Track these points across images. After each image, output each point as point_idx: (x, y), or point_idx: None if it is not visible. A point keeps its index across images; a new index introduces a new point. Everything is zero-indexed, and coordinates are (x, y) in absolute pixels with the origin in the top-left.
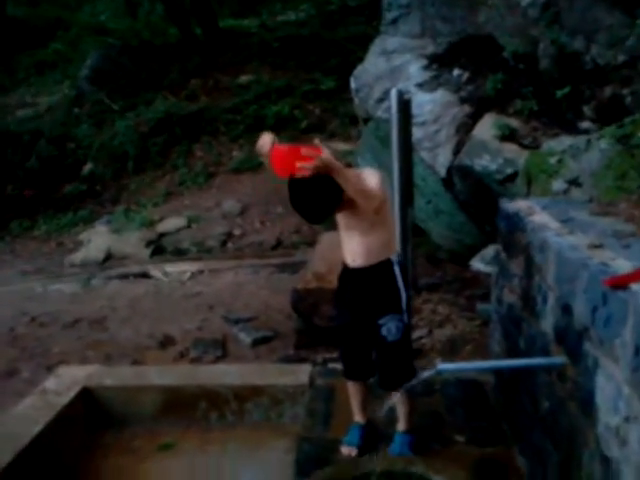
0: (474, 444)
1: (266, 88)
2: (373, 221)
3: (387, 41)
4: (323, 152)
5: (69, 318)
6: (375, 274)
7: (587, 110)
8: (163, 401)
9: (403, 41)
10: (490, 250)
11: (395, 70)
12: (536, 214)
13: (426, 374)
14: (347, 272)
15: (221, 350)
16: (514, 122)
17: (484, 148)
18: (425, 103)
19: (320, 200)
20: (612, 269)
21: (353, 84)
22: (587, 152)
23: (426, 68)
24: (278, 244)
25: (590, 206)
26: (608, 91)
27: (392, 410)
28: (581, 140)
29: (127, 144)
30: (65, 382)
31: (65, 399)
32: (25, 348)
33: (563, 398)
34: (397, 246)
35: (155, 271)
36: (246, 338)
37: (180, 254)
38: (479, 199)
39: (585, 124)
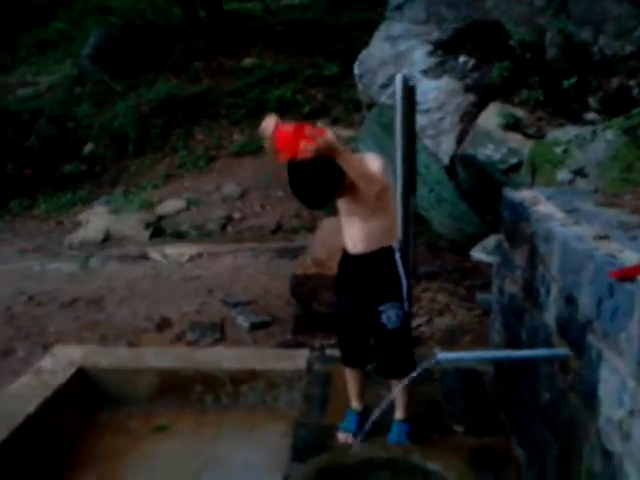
0: (472, 434)
1: (269, 72)
2: (374, 207)
3: (392, 27)
4: (327, 133)
5: (66, 298)
6: (375, 261)
7: (593, 101)
8: (159, 383)
9: (408, 27)
10: (491, 240)
11: (400, 56)
12: (541, 204)
13: (426, 363)
14: (347, 258)
15: (219, 333)
16: (519, 111)
17: (488, 137)
18: (429, 90)
19: (321, 184)
20: (619, 261)
21: (357, 69)
22: (593, 143)
23: (431, 54)
24: (278, 228)
25: (595, 197)
26: (615, 82)
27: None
28: (587, 130)
29: (128, 125)
30: (61, 362)
31: (60, 379)
32: (21, 327)
33: (564, 390)
34: (399, 233)
35: (154, 253)
36: (244, 322)
37: (179, 237)
38: (482, 188)
39: (590, 115)
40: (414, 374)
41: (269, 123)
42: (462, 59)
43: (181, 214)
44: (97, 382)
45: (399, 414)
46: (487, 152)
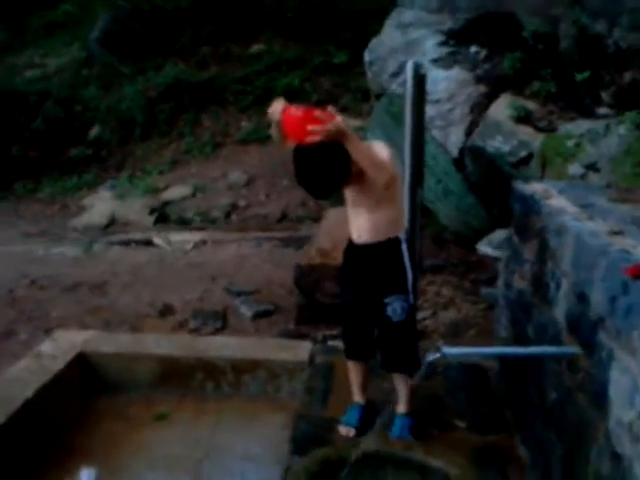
0: (475, 431)
1: (277, 59)
2: (382, 197)
3: (403, 14)
4: (336, 118)
5: (69, 282)
6: (381, 251)
7: (605, 96)
8: (160, 370)
9: (420, 15)
10: (498, 234)
11: (410, 44)
12: (552, 197)
13: (431, 358)
14: (352, 248)
15: (221, 322)
16: (530, 104)
17: (498, 129)
18: (440, 80)
19: (327, 171)
20: (633, 257)
21: (367, 57)
22: (606, 137)
23: (442, 44)
24: (283, 217)
25: (608, 192)
26: (628, 76)
27: (392, 392)
28: (600, 124)
29: (135, 109)
30: (61, 346)
31: (60, 363)
32: (24, 310)
33: (572, 389)
34: (405, 224)
35: (158, 239)
36: (247, 311)
37: (184, 223)
38: (490, 181)
39: (602, 110)
40: (422, 370)
41: (277, 106)
42: (474, 49)
43: (186, 200)
44: (97, 368)
45: (402, 408)
46: (496, 144)
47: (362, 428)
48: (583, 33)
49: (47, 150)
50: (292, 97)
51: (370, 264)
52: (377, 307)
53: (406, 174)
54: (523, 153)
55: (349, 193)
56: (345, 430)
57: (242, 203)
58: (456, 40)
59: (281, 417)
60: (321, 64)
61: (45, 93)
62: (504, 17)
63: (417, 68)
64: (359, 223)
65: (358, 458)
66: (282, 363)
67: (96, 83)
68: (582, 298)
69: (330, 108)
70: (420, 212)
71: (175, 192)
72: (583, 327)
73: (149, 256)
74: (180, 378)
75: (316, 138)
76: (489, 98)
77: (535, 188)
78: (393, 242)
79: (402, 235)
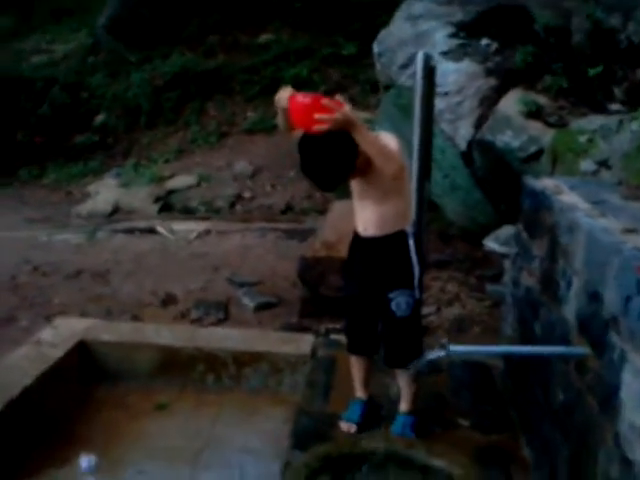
0: (478, 430)
1: (285, 49)
2: (389, 188)
3: (413, 6)
4: (345, 106)
5: (72, 269)
6: (388, 245)
7: (618, 91)
8: (160, 360)
9: (430, 6)
10: (505, 230)
11: (420, 36)
12: (564, 193)
13: (436, 354)
14: (358, 241)
15: (223, 313)
16: (541, 99)
17: (507, 124)
18: (449, 73)
19: (334, 162)
20: None
21: (376, 48)
22: (618, 133)
23: (453, 36)
24: (288, 209)
25: (620, 189)
26: None
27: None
28: (613, 120)
29: (141, 97)
30: (62, 334)
31: (60, 351)
32: (26, 297)
33: (580, 390)
34: (412, 218)
35: (162, 228)
36: (249, 302)
37: (188, 212)
38: (498, 176)
39: (615, 106)
40: (422, 362)
41: (284, 94)
42: (484, 42)
43: (191, 190)
44: (98, 356)
45: (404, 406)
46: (506, 139)
47: (364, 424)
48: (597, 27)
49: (53, 136)
50: (300, 87)
51: (376, 258)
52: (382, 302)
53: (414, 167)
54: (533, 148)
55: (356, 185)
56: (346, 426)
57: (247, 194)
58: (466, 32)
59: (282, 411)
60: (330, 55)
61: (51, 79)
62: (515, 10)
63: (427, 59)
64: (365, 216)
65: (359, 455)
66: (284, 356)
67: (103, 70)
68: (594, 297)
69: (338, 96)
70: (426, 206)
71: (180, 181)
72: (594, 327)
73: (152, 245)
74: (181, 369)
75: (323, 127)
76: (499, 92)
77: (546, 184)
78: (400, 236)
79: (409, 229)
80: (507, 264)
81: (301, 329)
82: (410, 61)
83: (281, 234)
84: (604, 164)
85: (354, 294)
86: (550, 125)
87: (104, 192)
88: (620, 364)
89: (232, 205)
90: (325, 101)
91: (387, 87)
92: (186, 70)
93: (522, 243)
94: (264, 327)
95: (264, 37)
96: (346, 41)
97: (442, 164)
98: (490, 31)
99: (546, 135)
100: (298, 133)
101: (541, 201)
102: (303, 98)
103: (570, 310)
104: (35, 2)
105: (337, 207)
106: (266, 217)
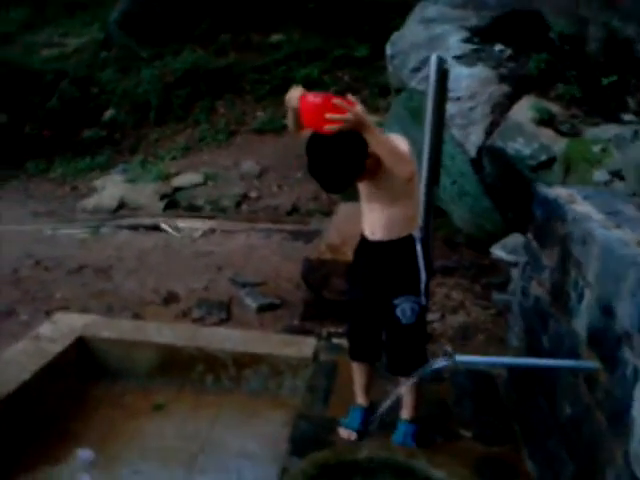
0: (480, 441)
1: (296, 49)
2: (399, 191)
3: (427, 9)
4: (356, 106)
5: (75, 264)
6: (395, 250)
7: (631, 102)
8: (160, 359)
9: (444, 10)
10: (513, 238)
11: (433, 39)
12: (577, 203)
13: (441, 364)
14: (364, 245)
15: (225, 313)
16: (554, 107)
17: (519, 131)
18: (462, 78)
19: (343, 163)
20: None
21: (389, 50)
22: (633, 143)
23: (466, 41)
24: (293, 210)
25: (635, 200)
26: None
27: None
28: (628, 130)
29: (151, 93)
30: (61, 329)
31: (58, 347)
32: (27, 291)
33: (589, 405)
34: (420, 223)
35: (166, 225)
36: (252, 303)
37: (193, 210)
38: (507, 184)
39: (628, 117)
40: (426, 370)
41: (294, 93)
42: (498, 48)
43: (197, 188)
44: (97, 353)
45: (406, 413)
46: (517, 146)
47: (364, 431)
48: (612, 36)
49: (61, 130)
50: (310, 88)
51: (382, 262)
52: (386, 308)
53: (423, 172)
54: (543, 157)
55: (364, 188)
56: (346, 433)
57: (253, 194)
58: (480, 37)
59: (281, 414)
60: (341, 57)
61: (62, 73)
62: (530, 16)
63: (441, 63)
64: (373, 219)
65: (358, 463)
66: (285, 359)
67: (113, 65)
68: (607, 311)
69: (350, 96)
70: (433, 212)
71: (186, 179)
72: (606, 342)
73: (156, 242)
74: (180, 369)
75: (335, 127)
76: (511, 98)
77: (559, 192)
78: (407, 241)
79: (417, 233)
80: (514, 273)
81: (303, 332)
82: (422, 64)
83: (286, 235)
84: (617, 174)
85: (358, 298)
86: (562, 134)
87: (110, 187)
88: (633, 381)
89: (238, 204)
90: (337, 100)
91: (398, 90)
92: (197, 67)
93: (532, 252)
94: (266, 328)
95: (276, 37)
96: (358, 43)
97: (451, 170)
98: (504, 37)
99: (558, 143)
100: (307, 133)
101: (553, 210)
102: (314, 97)
103: (581, 323)
104: None
105: (343, 209)
106: (272, 218)
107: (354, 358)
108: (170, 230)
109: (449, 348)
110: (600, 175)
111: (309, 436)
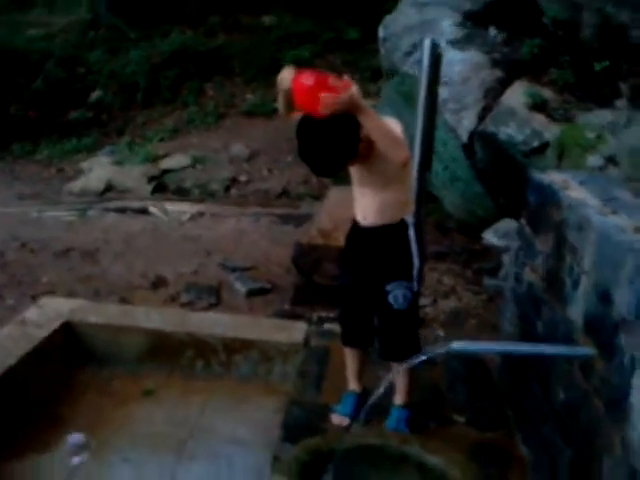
0: (474, 426)
1: (287, 32)
2: (392, 176)
3: None
4: (352, 86)
5: (61, 247)
6: (387, 234)
7: (624, 87)
8: (148, 344)
9: None
10: (504, 224)
11: (426, 23)
12: (572, 189)
13: (437, 351)
14: (356, 230)
15: (214, 297)
16: (546, 92)
17: (512, 116)
18: (455, 62)
19: (335, 146)
20: None
21: (381, 32)
22: (627, 129)
23: (459, 24)
24: (283, 194)
25: (631, 186)
26: None
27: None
28: (622, 116)
29: (138, 74)
30: (47, 314)
31: (44, 332)
32: (14, 275)
33: (585, 392)
34: (413, 208)
35: (155, 208)
36: (241, 288)
37: (182, 194)
38: (499, 169)
39: (620, 102)
40: (421, 358)
41: (287, 74)
42: (492, 32)
43: (185, 171)
44: (84, 338)
45: (399, 399)
46: (509, 131)
47: (356, 417)
48: (606, 22)
49: (47, 111)
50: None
51: (374, 248)
52: (378, 293)
53: (415, 157)
54: (535, 143)
55: (356, 172)
56: (339, 419)
57: (243, 177)
58: (474, 22)
59: (272, 400)
60: (332, 40)
61: (47, 53)
62: (524, 0)
63: (434, 47)
64: (365, 203)
65: (351, 449)
66: (276, 344)
67: (101, 46)
68: (604, 298)
69: (345, 76)
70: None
71: (175, 161)
72: (603, 329)
73: (144, 225)
74: (169, 354)
75: (329, 108)
76: (504, 83)
77: (553, 178)
78: (400, 225)
79: (409, 218)
80: (505, 258)
81: (294, 316)
82: (415, 48)
83: (276, 219)
84: (612, 160)
85: (350, 284)
86: (554, 119)
87: (97, 170)
88: (630, 368)
89: (227, 188)
90: (332, 80)
91: (390, 73)
92: (185, 49)
93: (525, 238)
94: (256, 313)
95: (266, 19)
96: (349, 26)
97: (443, 156)
98: (497, 21)
99: (550, 129)
100: (298, 116)
101: (548, 196)
102: (308, 78)
103: (576, 310)
104: None
105: (334, 193)
106: (261, 202)
107: (346, 344)
108: (158, 213)
109: (440, 332)
110: (594, 160)
111: (302, 422)
